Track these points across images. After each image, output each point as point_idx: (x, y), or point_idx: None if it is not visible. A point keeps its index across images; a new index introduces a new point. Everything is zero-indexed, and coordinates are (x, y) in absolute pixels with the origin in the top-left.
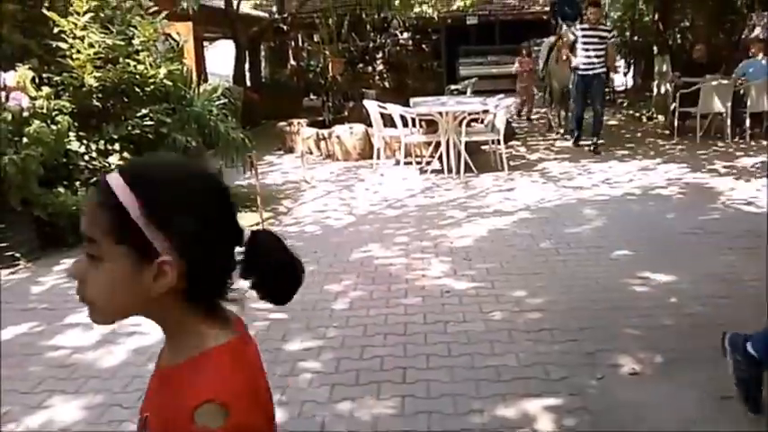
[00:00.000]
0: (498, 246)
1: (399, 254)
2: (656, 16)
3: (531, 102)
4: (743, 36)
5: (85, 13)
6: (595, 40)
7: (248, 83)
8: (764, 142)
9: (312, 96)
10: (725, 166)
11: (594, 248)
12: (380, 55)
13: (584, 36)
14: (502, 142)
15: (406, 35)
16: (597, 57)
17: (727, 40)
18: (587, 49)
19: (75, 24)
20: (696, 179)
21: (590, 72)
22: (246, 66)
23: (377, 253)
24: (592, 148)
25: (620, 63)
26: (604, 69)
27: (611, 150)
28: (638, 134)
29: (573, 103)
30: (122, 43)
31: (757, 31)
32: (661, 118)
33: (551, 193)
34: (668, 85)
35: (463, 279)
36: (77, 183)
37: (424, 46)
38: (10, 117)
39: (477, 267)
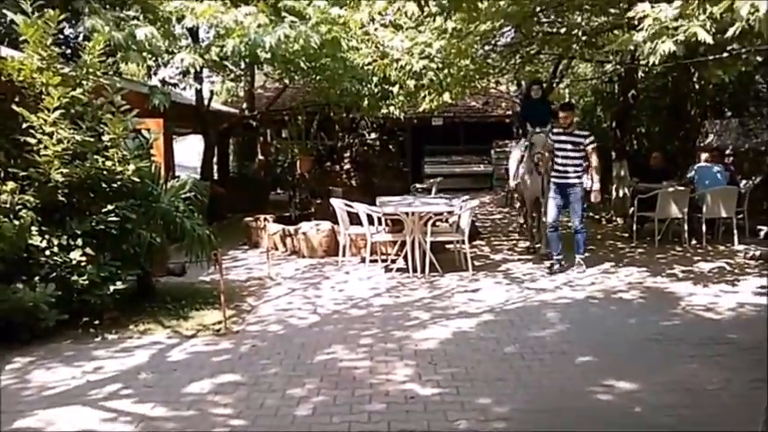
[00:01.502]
0: (463, 349)
1: (364, 356)
2: (614, 123)
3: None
4: (697, 143)
5: (56, 109)
6: (569, 146)
7: (215, 176)
8: (720, 247)
9: (279, 191)
10: (683, 271)
11: (559, 354)
12: (348, 154)
13: (556, 142)
14: (467, 242)
15: (373, 135)
16: (573, 165)
17: (681, 147)
18: (559, 157)
19: (45, 120)
20: (656, 283)
21: (563, 181)
22: (215, 159)
23: (341, 355)
24: (577, 268)
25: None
26: (581, 179)
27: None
28: (599, 236)
29: (545, 216)
30: (92, 140)
31: (710, 137)
32: (620, 221)
33: (515, 295)
34: (626, 189)
35: (428, 384)
36: (36, 278)
37: (390, 146)
38: None
39: (443, 372)
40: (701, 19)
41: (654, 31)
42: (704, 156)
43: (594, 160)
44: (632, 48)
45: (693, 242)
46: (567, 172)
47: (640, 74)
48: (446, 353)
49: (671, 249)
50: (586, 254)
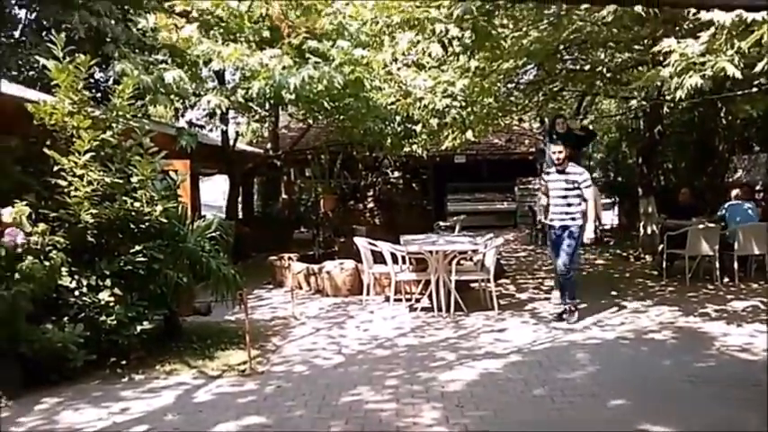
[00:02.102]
0: (491, 391)
1: (390, 398)
2: (640, 159)
3: None
4: (725, 178)
5: (86, 151)
6: (562, 185)
7: (240, 215)
8: (754, 285)
9: (303, 229)
10: (716, 310)
11: (590, 397)
12: (371, 192)
13: (549, 182)
14: (492, 281)
15: (396, 173)
16: (569, 204)
17: (709, 182)
18: (554, 197)
19: (76, 163)
20: (688, 323)
21: (560, 224)
22: (239, 198)
23: (366, 396)
24: (562, 315)
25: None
26: (576, 221)
27: (600, 291)
28: (627, 274)
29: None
30: (121, 181)
31: (739, 173)
32: (648, 258)
33: (543, 335)
34: (654, 225)
35: (456, 428)
36: (65, 318)
37: (413, 184)
38: (3, 253)
39: (470, 415)
40: (729, 54)
41: (681, 66)
42: (734, 192)
43: (591, 201)
44: (659, 83)
45: (725, 280)
46: (564, 213)
47: (666, 109)
48: (473, 395)
49: (702, 287)
50: (577, 300)
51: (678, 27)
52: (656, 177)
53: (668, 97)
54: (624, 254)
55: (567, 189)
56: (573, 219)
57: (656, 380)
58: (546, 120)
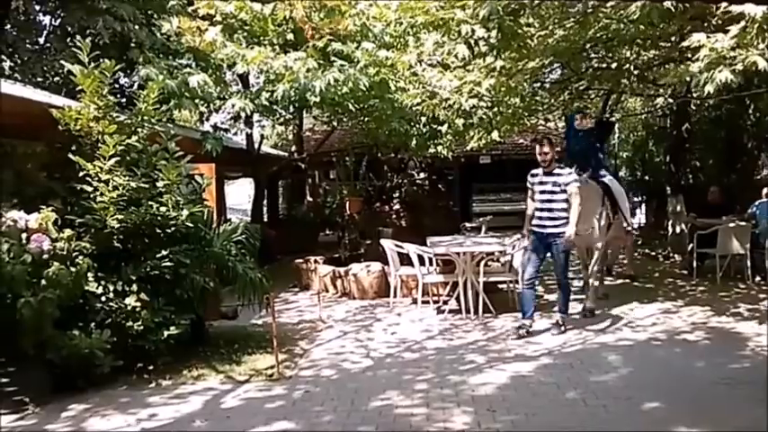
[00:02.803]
0: (522, 395)
1: (419, 402)
2: (667, 157)
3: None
4: (755, 176)
5: (112, 156)
6: (549, 187)
7: (266, 218)
8: None
9: (328, 231)
10: (749, 310)
11: (624, 400)
12: (397, 194)
13: (535, 184)
14: (520, 282)
15: (422, 175)
16: (553, 209)
17: (738, 180)
18: (540, 201)
19: (101, 168)
20: (721, 323)
21: (545, 231)
22: (265, 201)
23: (396, 401)
24: (555, 330)
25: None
26: (566, 228)
27: (630, 291)
28: (656, 274)
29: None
30: (146, 186)
31: (766, 171)
32: (677, 257)
33: (573, 337)
34: (683, 224)
35: None
36: (92, 324)
37: (439, 185)
38: (30, 259)
39: (503, 419)
40: (761, 48)
41: (710, 60)
42: (765, 190)
43: (575, 203)
44: (687, 79)
45: (757, 279)
46: (550, 219)
47: (693, 106)
48: (504, 399)
49: (734, 287)
50: (569, 315)
51: (706, 23)
52: (684, 176)
53: (696, 94)
54: (653, 253)
55: (554, 192)
56: (562, 225)
57: (691, 382)
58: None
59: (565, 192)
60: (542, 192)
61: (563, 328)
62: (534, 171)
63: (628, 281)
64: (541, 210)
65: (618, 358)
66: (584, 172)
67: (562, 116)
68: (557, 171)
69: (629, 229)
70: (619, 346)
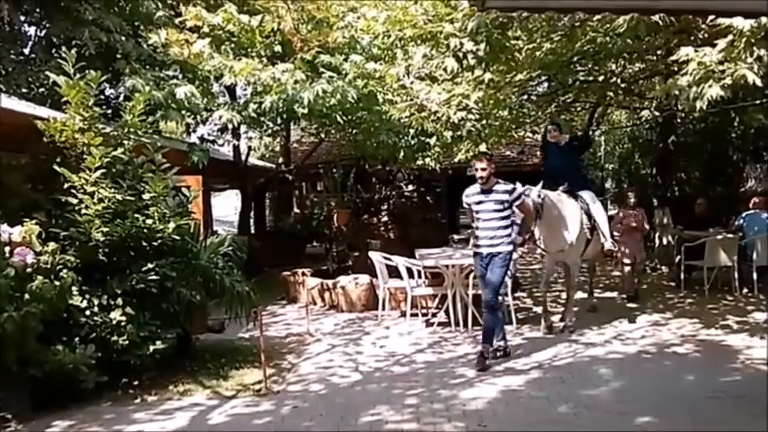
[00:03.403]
0: (513, 409)
1: (410, 417)
2: (653, 170)
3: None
4: (740, 188)
5: (97, 168)
6: (491, 206)
7: (253, 230)
8: None
9: (315, 243)
10: (738, 322)
11: (616, 414)
12: (385, 206)
13: (472, 204)
14: (509, 295)
15: (410, 187)
16: (493, 228)
17: (724, 192)
18: (480, 220)
19: (86, 180)
20: (710, 335)
21: (487, 251)
22: (252, 213)
23: (386, 416)
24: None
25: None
26: (507, 246)
27: (619, 304)
28: (645, 286)
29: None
30: (132, 198)
31: (751, 182)
32: (665, 269)
33: (563, 350)
34: (670, 236)
35: None
36: (76, 339)
37: (427, 197)
38: (13, 273)
39: None
40: (749, 61)
41: (699, 75)
42: (752, 202)
43: (526, 215)
44: (676, 93)
45: (744, 291)
46: (489, 239)
47: (678, 119)
48: (495, 413)
49: (722, 299)
50: (501, 347)
51: (693, 36)
52: (670, 188)
53: (682, 107)
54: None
55: (495, 210)
56: (502, 244)
57: (682, 395)
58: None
59: (508, 209)
60: (481, 211)
61: (486, 362)
62: (469, 190)
63: (620, 295)
64: (482, 229)
65: (609, 371)
66: (558, 187)
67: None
68: (496, 188)
69: (608, 245)
70: (609, 360)
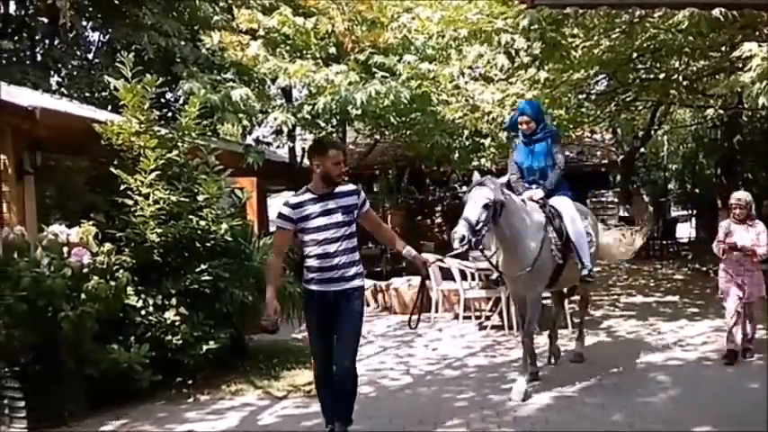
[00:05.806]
0: (566, 416)
1: (459, 422)
2: (718, 170)
3: None
4: None
5: (153, 170)
6: (336, 215)
7: None
8: None
9: (369, 245)
10: None
11: (673, 423)
12: (439, 207)
13: (300, 218)
14: (565, 297)
15: (464, 188)
16: (341, 251)
17: None
18: (311, 241)
19: (142, 182)
20: None
21: (324, 288)
22: None
23: (435, 420)
24: None
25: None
26: (361, 277)
27: (680, 308)
28: (707, 290)
29: None
30: (187, 200)
31: None
32: None
33: (619, 356)
34: None
35: None
36: (131, 338)
37: None
38: (70, 273)
39: None
40: None
41: (762, 70)
42: None
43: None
44: (739, 89)
45: None
46: (335, 269)
47: (744, 117)
48: (548, 420)
49: None
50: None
51: (758, 32)
52: (735, 189)
53: (750, 105)
54: (704, 269)
55: (339, 224)
56: (355, 275)
57: (744, 405)
58: (619, 131)
59: (355, 218)
60: (315, 226)
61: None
62: (294, 199)
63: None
64: (320, 256)
65: (666, 379)
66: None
67: (609, 128)
68: (340, 191)
69: (585, 274)
70: (668, 366)
